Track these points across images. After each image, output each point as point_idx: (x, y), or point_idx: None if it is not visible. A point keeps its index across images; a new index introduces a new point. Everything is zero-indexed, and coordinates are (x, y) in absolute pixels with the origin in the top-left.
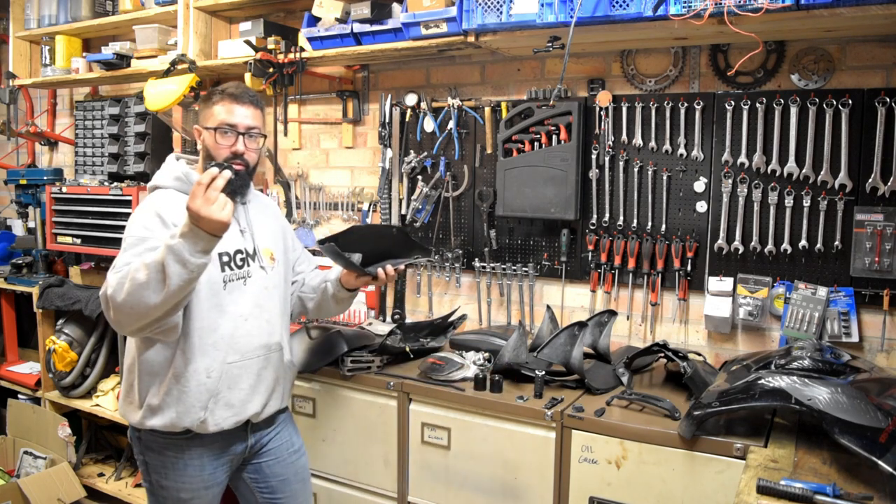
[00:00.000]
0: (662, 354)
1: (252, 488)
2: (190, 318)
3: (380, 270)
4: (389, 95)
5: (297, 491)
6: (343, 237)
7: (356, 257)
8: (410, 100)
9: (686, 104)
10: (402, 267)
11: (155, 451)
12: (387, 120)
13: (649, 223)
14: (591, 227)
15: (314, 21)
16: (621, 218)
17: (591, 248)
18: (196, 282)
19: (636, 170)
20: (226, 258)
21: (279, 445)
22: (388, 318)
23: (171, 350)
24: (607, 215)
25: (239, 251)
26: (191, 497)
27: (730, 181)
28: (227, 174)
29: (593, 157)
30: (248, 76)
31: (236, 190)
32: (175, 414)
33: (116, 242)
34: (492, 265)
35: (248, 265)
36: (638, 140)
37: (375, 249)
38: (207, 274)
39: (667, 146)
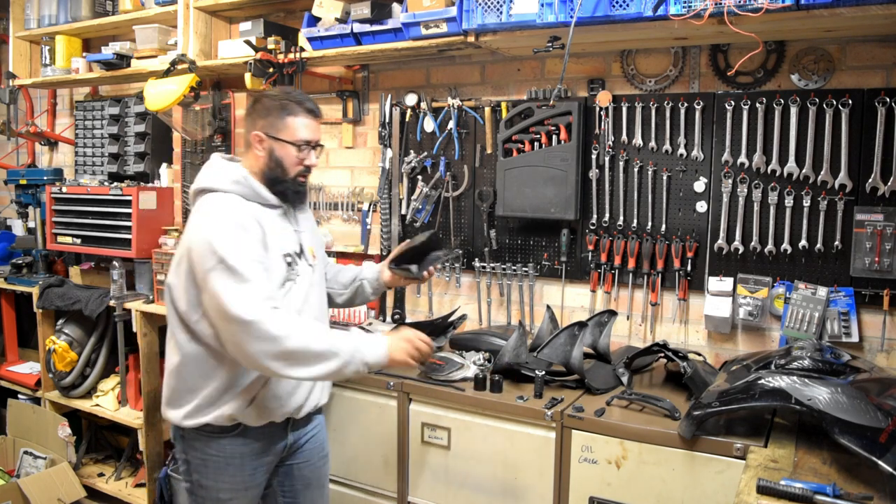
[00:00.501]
0: (662, 354)
1: (276, 490)
2: None
3: (425, 273)
4: (389, 95)
5: (316, 498)
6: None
7: (414, 268)
8: (410, 100)
9: (686, 104)
10: (438, 265)
11: (197, 450)
12: (387, 120)
13: (649, 223)
14: (591, 227)
15: (314, 21)
16: (621, 218)
17: (591, 248)
18: None
19: (636, 170)
20: (289, 259)
21: (313, 448)
22: (389, 318)
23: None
24: (607, 215)
25: (294, 251)
26: (230, 497)
27: (730, 181)
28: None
29: (593, 157)
30: (248, 76)
31: (303, 199)
32: (227, 406)
33: (116, 242)
34: (492, 265)
35: (299, 264)
36: (638, 140)
37: (424, 253)
38: (279, 276)
39: (667, 146)
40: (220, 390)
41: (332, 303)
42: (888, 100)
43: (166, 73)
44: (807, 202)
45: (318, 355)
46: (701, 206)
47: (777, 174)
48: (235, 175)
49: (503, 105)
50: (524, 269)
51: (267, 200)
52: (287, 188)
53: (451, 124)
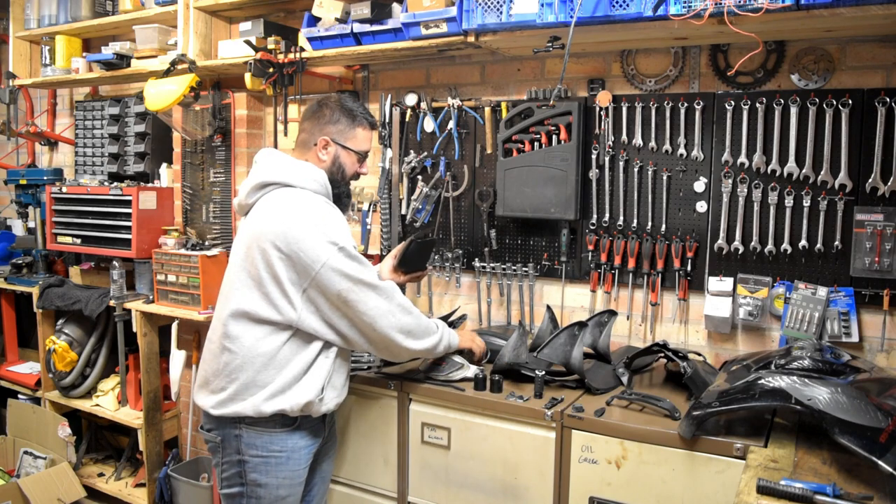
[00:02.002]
0: (662, 354)
1: None
2: None
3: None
4: (389, 95)
5: (322, 493)
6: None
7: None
8: (410, 100)
9: (686, 104)
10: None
11: (258, 447)
12: (387, 120)
13: (649, 223)
14: (591, 227)
15: (314, 21)
16: (621, 218)
17: (591, 248)
18: None
19: (636, 170)
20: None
21: (331, 444)
22: None
23: (300, 339)
24: (607, 215)
25: None
26: (288, 494)
27: (730, 181)
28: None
29: (593, 157)
30: (248, 76)
31: (349, 204)
32: (300, 395)
33: (116, 242)
34: (492, 265)
35: None
36: (638, 140)
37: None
38: None
39: (667, 146)
40: (295, 378)
41: None
42: (888, 100)
43: (166, 73)
44: (807, 202)
45: (426, 330)
46: (701, 206)
47: (777, 174)
48: (314, 174)
49: (503, 105)
50: (524, 269)
51: (331, 203)
52: (342, 191)
53: (451, 124)
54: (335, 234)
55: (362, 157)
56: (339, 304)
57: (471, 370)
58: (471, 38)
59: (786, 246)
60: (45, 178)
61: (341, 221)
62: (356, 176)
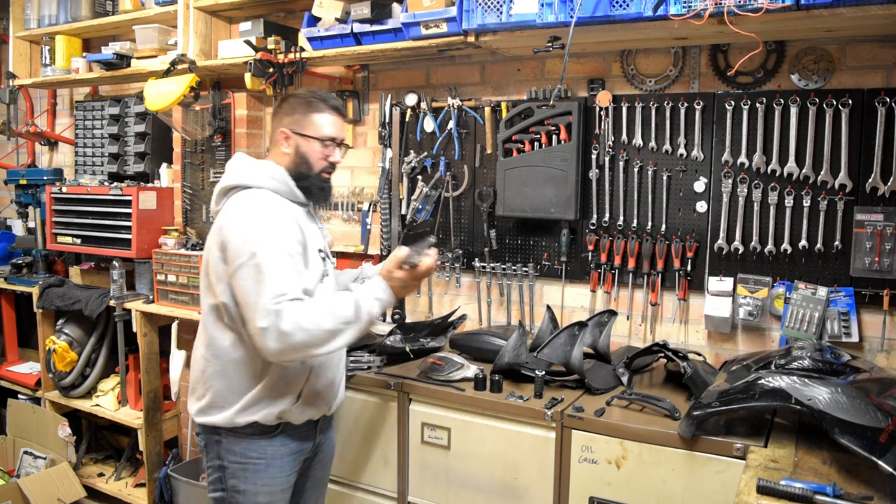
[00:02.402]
0: (662, 354)
1: None
2: None
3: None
4: (389, 95)
5: (318, 497)
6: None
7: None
8: (410, 100)
9: (686, 104)
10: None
11: (237, 454)
12: (387, 120)
13: (649, 223)
14: (591, 227)
15: (314, 21)
16: (621, 218)
17: (591, 248)
18: None
19: (636, 170)
20: (322, 255)
21: (327, 450)
22: (388, 318)
23: None
24: (607, 215)
25: (322, 248)
26: (268, 501)
27: (730, 181)
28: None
29: (593, 157)
30: (248, 76)
31: (327, 196)
32: (274, 405)
33: (116, 242)
34: (492, 265)
35: (327, 260)
36: (638, 140)
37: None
38: (317, 272)
39: (667, 146)
40: (269, 388)
41: None
42: (888, 100)
43: (166, 73)
44: (807, 202)
45: (333, 333)
46: (701, 206)
47: (777, 174)
48: (271, 171)
49: (503, 105)
50: (524, 269)
51: (297, 197)
52: (312, 184)
53: (451, 124)
54: (257, 240)
55: (326, 143)
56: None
57: (471, 370)
58: (471, 38)
59: (786, 246)
60: (45, 178)
61: (285, 223)
62: (329, 166)
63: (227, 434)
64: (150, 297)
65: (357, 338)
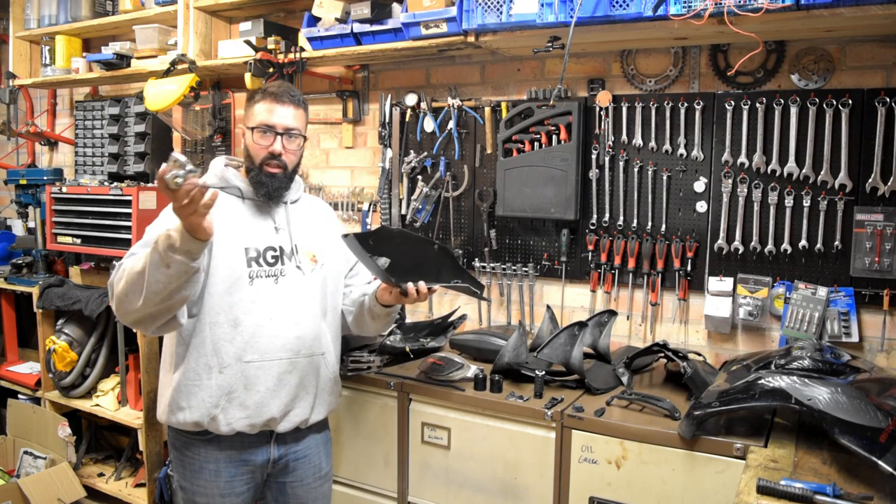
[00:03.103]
0: (662, 354)
1: None
2: (203, 312)
3: (409, 285)
4: (389, 95)
5: None
6: (374, 237)
7: (382, 261)
8: (410, 100)
9: (686, 104)
10: (436, 287)
11: (178, 450)
12: (387, 120)
13: (649, 223)
14: (591, 227)
15: (314, 21)
16: (621, 218)
17: (591, 248)
18: (184, 282)
19: (636, 170)
20: (253, 253)
21: (306, 468)
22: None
23: (185, 345)
24: (607, 215)
25: (271, 248)
26: (206, 503)
27: (730, 181)
28: (196, 182)
29: (593, 157)
30: (248, 76)
31: (268, 192)
32: (191, 410)
33: (116, 242)
34: (492, 265)
35: (283, 263)
36: (638, 140)
37: (412, 262)
38: (228, 268)
39: (667, 146)
40: (184, 393)
41: (345, 322)
42: (888, 100)
43: (166, 73)
44: (807, 202)
45: (139, 272)
46: (701, 206)
47: (777, 174)
48: (215, 168)
49: (503, 105)
50: (524, 269)
51: (244, 192)
52: (254, 177)
53: (451, 124)
54: (154, 223)
55: (262, 129)
56: None
57: (471, 370)
58: (471, 38)
59: (786, 246)
60: (45, 178)
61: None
62: (270, 156)
63: (171, 429)
64: None
65: (168, 279)
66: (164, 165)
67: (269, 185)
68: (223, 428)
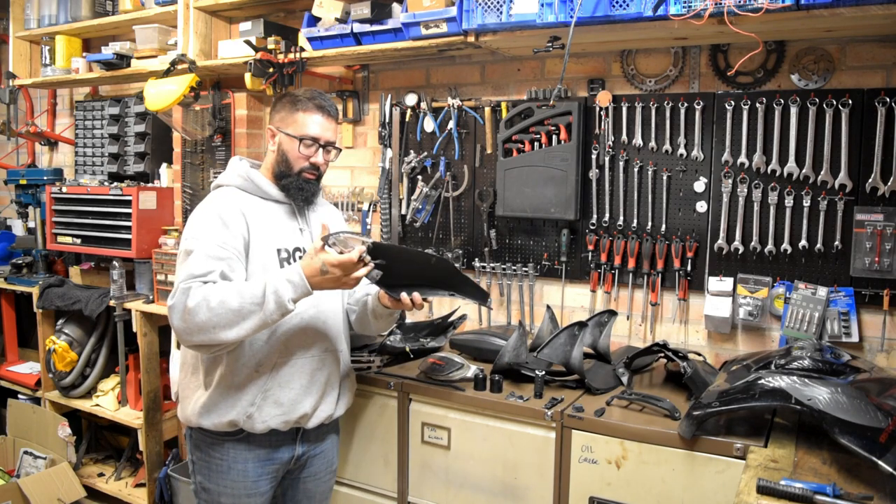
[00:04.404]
0: (662, 354)
1: (279, 500)
2: None
3: (403, 295)
4: (389, 95)
5: None
6: (371, 253)
7: (374, 273)
8: (410, 100)
9: (686, 104)
10: (430, 298)
11: (202, 451)
12: (387, 120)
13: (649, 223)
14: (591, 227)
15: (314, 21)
16: (621, 218)
17: (591, 248)
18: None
19: (636, 170)
20: (284, 254)
21: (321, 464)
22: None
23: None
24: (607, 215)
25: (298, 248)
26: (231, 503)
27: (730, 181)
28: (371, 270)
29: (593, 157)
30: (248, 76)
31: (307, 197)
32: (225, 410)
33: (116, 242)
34: (492, 265)
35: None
36: (638, 140)
37: (409, 271)
38: (263, 269)
39: (667, 146)
40: (220, 393)
41: (349, 320)
42: (888, 100)
43: (166, 73)
44: (807, 202)
45: (238, 313)
46: (701, 206)
47: (777, 174)
48: (239, 169)
49: (503, 105)
50: (524, 269)
51: (268, 194)
52: (290, 183)
53: (451, 124)
54: (192, 231)
55: (308, 142)
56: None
57: (471, 370)
58: (471, 38)
59: (786, 246)
60: (45, 178)
61: (222, 216)
62: (311, 167)
63: (194, 430)
64: (150, 297)
65: (267, 323)
66: (341, 251)
67: (307, 190)
68: (258, 426)
